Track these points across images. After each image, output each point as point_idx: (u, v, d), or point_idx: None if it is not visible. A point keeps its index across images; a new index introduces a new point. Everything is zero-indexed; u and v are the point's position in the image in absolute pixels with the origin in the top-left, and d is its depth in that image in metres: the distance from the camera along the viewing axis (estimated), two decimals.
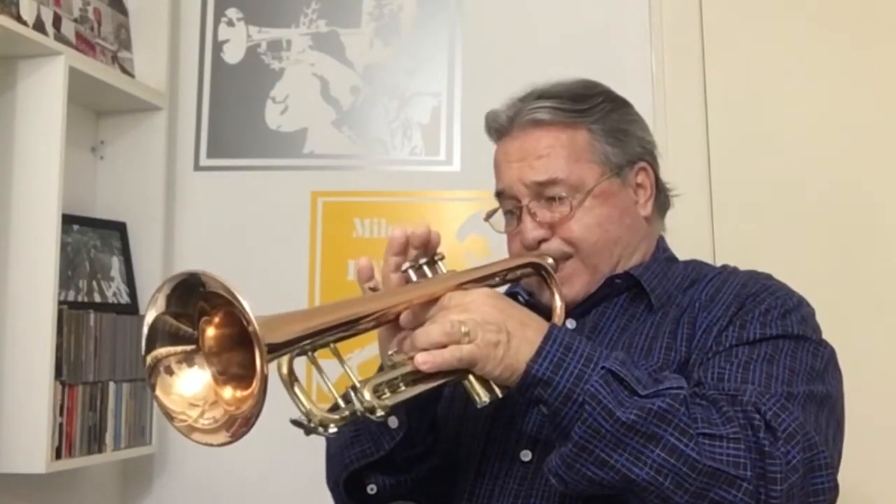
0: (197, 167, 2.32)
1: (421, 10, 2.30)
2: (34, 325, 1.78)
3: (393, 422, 1.17)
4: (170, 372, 0.95)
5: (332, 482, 1.28)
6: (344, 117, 2.30)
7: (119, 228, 2.16)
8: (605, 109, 1.33)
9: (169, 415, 0.95)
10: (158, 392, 0.95)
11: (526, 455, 1.23)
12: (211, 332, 0.95)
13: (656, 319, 1.26)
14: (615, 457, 1.01)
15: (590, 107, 1.32)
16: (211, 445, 0.93)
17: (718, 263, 1.41)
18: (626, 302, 1.31)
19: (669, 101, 2.12)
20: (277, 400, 0.92)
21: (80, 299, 2.00)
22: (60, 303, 1.86)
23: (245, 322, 0.88)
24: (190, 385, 0.95)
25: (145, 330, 0.94)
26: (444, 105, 2.27)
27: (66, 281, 1.95)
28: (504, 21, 2.27)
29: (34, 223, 1.81)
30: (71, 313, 1.89)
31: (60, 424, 1.83)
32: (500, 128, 1.36)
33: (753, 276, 1.28)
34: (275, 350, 0.92)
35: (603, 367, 1.04)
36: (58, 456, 1.82)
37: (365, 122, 2.29)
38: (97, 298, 2.04)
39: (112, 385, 1.99)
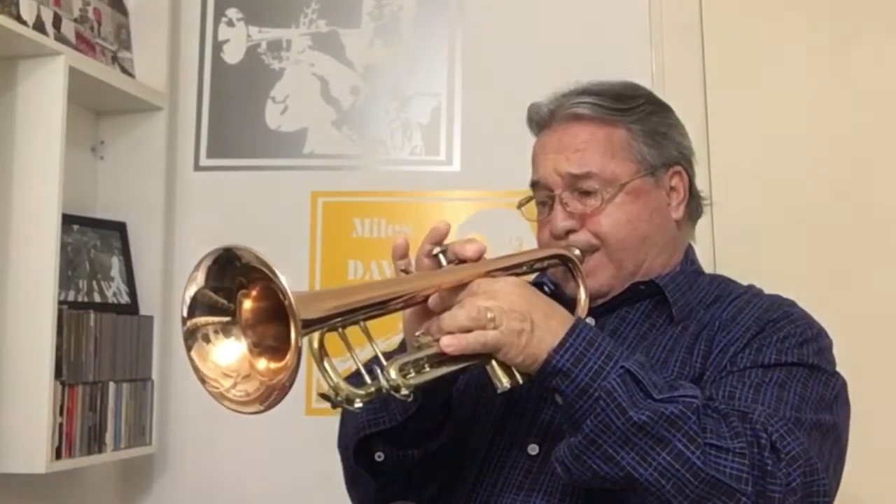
0: (197, 167, 2.32)
1: (421, 10, 2.30)
2: (34, 325, 1.78)
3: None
4: (207, 340, 0.99)
5: (343, 446, 1.31)
6: (344, 117, 2.30)
7: (119, 228, 2.16)
8: (646, 111, 1.35)
9: (202, 379, 0.99)
10: (195, 357, 0.99)
11: (533, 449, 1.24)
12: (248, 304, 0.99)
13: (676, 332, 1.27)
14: (622, 454, 1.03)
15: (630, 107, 1.34)
16: (241, 413, 0.97)
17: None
18: (648, 308, 1.32)
19: (669, 101, 2.12)
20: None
21: (80, 299, 2.00)
22: (60, 303, 1.86)
23: (282, 297, 0.91)
24: (226, 355, 0.99)
25: (186, 303, 0.99)
26: (444, 105, 2.26)
27: (66, 281, 1.95)
28: (504, 21, 2.26)
29: (34, 223, 1.81)
30: (71, 313, 1.89)
31: (60, 424, 1.83)
32: (541, 120, 1.37)
33: (777, 301, 1.29)
34: (309, 325, 0.96)
35: (622, 367, 1.05)
36: (58, 456, 1.82)
37: (365, 122, 2.29)
38: (97, 298, 2.04)
39: (112, 385, 1.99)
